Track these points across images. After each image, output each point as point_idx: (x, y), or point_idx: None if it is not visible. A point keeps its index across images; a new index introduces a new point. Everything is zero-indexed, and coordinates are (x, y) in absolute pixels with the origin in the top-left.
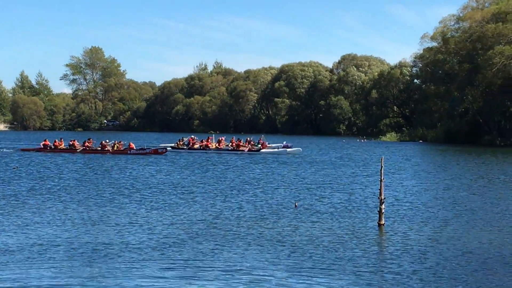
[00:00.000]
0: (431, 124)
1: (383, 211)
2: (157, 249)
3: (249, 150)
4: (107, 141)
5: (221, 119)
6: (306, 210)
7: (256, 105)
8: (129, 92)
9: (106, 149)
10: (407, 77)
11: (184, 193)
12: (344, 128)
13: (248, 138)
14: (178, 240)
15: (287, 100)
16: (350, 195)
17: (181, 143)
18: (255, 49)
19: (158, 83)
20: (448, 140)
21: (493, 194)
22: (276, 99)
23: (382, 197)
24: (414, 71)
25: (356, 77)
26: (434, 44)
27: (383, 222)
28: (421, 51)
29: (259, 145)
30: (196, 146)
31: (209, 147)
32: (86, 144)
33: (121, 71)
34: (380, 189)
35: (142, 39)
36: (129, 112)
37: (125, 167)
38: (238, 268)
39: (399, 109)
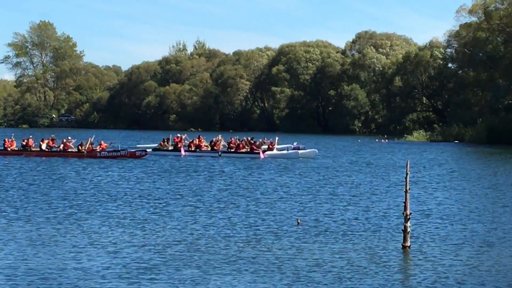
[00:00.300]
0: (470, 120)
1: (408, 230)
2: (124, 277)
3: (263, 151)
4: (69, 138)
5: (205, 114)
6: (311, 228)
7: (249, 96)
8: (88, 79)
9: (68, 150)
10: (440, 60)
11: (158, 207)
12: (360, 125)
13: (247, 138)
14: (150, 266)
15: (288, 90)
16: (368, 210)
17: (164, 144)
18: (247, 25)
19: (125, 67)
20: (491, 140)
21: None
22: (273, 88)
23: (408, 213)
24: (449, 53)
25: (375, 61)
26: (474, 19)
27: (408, 243)
28: (457, 28)
29: (265, 146)
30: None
31: (201, 147)
32: (52, 144)
33: (78, 52)
34: (405, 203)
35: (103, 12)
36: (87, 104)
37: (89, 173)
38: None
39: (430, 101)
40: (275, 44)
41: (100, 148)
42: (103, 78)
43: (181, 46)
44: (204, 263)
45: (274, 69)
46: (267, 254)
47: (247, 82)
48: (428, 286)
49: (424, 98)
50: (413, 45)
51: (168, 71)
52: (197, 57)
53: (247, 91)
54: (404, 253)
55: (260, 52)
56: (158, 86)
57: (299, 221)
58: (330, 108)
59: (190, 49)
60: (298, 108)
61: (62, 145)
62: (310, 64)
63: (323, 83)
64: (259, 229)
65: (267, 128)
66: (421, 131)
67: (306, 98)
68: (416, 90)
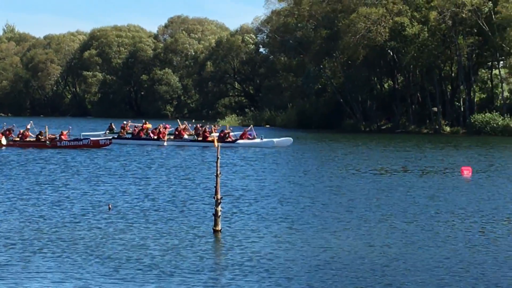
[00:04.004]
0: (281, 104)
1: (219, 214)
2: None
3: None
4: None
5: (14, 98)
6: (124, 213)
7: (60, 80)
8: None
9: (27, 139)
10: (251, 45)
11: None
12: (172, 109)
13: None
14: None
15: (100, 74)
16: (181, 195)
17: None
18: (58, 8)
19: None
20: (302, 124)
21: (348, 188)
22: (85, 73)
23: (219, 197)
24: (260, 39)
25: (188, 46)
26: (284, 5)
27: (219, 227)
28: (269, 14)
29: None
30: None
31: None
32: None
33: None
34: (216, 187)
35: None
36: None
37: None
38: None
39: (242, 86)
40: (87, 28)
41: (60, 137)
42: None
43: None
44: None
45: (86, 54)
46: (77, 239)
47: (58, 67)
48: (237, 267)
49: (236, 83)
50: (225, 30)
51: None
52: (6, 41)
53: (58, 75)
54: (215, 237)
55: (71, 36)
56: None
57: (110, 206)
58: (142, 93)
59: None
60: (110, 93)
61: (20, 135)
62: (122, 49)
63: (135, 68)
64: (69, 215)
65: (79, 113)
66: (233, 115)
67: (118, 82)
68: (228, 75)
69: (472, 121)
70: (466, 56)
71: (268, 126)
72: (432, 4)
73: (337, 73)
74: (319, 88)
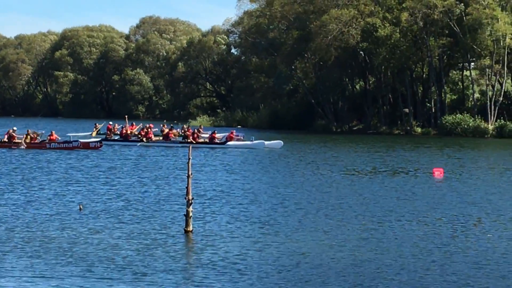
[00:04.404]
0: (253, 105)
1: (190, 214)
2: None
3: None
4: (15, 128)
5: None
6: (96, 213)
7: (31, 80)
8: None
9: (15, 141)
10: (223, 46)
11: None
12: (144, 110)
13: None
14: None
15: (71, 74)
16: (153, 196)
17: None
18: (29, 8)
19: None
20: (274, 125)
21: (320, 189)
22: (56, 73)
23: (190, 198)
24: (232, 40)
25: (159, 46)
26: (256, 6)
27: (191, 228)
28: (241, 15)
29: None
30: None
31: (150, 137)
32: None
33: None
34: (187, 188)
35: None
36: None
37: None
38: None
39: (213, 87)
40: (58, 28)
41: (49, 139)
42: None
43: None
44: None
45: (57, 54)
46: (46, 239)
47: (29, 67)
48: (209, 267)
49: (207, 84)
50: (197, 31)
51: None
52: None
53: (29, 75)
54: (186, 237)
55: (43, 36)
56: None
57: (81, 206)
58: (114, 93)
59: None
60: (81, 93)
61: (7, 136)
62: (94, 49)
63: (106, 68)
64: (41, 215)
65: (50, 113)
66: (205, 116)
67: (89, 83)
68: (200, 76)
69: (443, 122)
70: (437, 57)
71: (239, 126)
72: (403, 5)
73: (308, 74)
74: (290, 89)
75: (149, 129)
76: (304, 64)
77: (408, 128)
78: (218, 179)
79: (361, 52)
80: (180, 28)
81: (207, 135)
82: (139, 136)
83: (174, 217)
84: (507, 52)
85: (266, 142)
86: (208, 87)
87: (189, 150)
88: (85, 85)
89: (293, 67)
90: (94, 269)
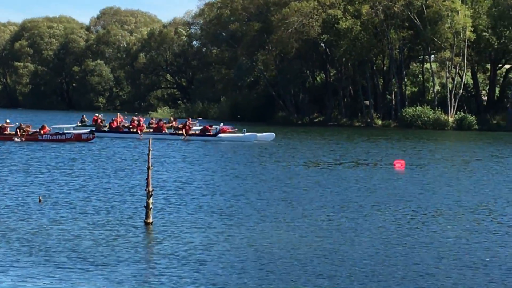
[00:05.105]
0: (214, 97)
1: (151, 206)
2: None
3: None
4: (7, 121)
5: None
6: (56, 205)
7: None
8: None
9: (6, 132)
10: (184, 38)
11: None
12: (104, 101)
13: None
14: None
15: (31, 65)
16: (113, 188)
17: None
18: None
19: None
20: (235, 116)
21: (282, 181)
22: (16, 64)
23: (150, 189)
24: (193, 31)
25: (120, 37)
26: None
27: (151, 220)
28: (202, 6)
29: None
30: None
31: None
32: None
33: None
34: (147, 180)
35: None
36: None
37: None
38: None
39: (174, 78)
40: (18, 19)
41: (42, 131)
42: None
43: None
44: None
45: (17, 44)
46: (9, 231)
47: None
48: (166, 259)
49: (168, 75)
50: (158, 22)
51: None
52: None
53: None
54: (146, 229)
55: (2, 27)
56: None
57: (40, 198)
58: (74, 85)
59: None
60: (41, 84)
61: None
62: (54, 40)
63: (67, 59)
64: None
65: (10, 105)
66: (165, 107)
67: (50, 74)
68: (161, 67)
69: (404, 114)
70: (398, 50)
71: (200, 118)
72: None
73: (269, 66)
74: (251, 81)
75: (140, 121)
76: (265, 56)
77: (369, 120)
78: (179, 171)
79: (322, 44)
80: (141, 20)
81: (200, 127)
82: (130, 128)
83: (136, 208)
84: (467, 44)
85: (258, 135)
86: (169, 78)
87: (149, 142)
88: (45, 76)
89: (254, 59)
90: (54, 260)
